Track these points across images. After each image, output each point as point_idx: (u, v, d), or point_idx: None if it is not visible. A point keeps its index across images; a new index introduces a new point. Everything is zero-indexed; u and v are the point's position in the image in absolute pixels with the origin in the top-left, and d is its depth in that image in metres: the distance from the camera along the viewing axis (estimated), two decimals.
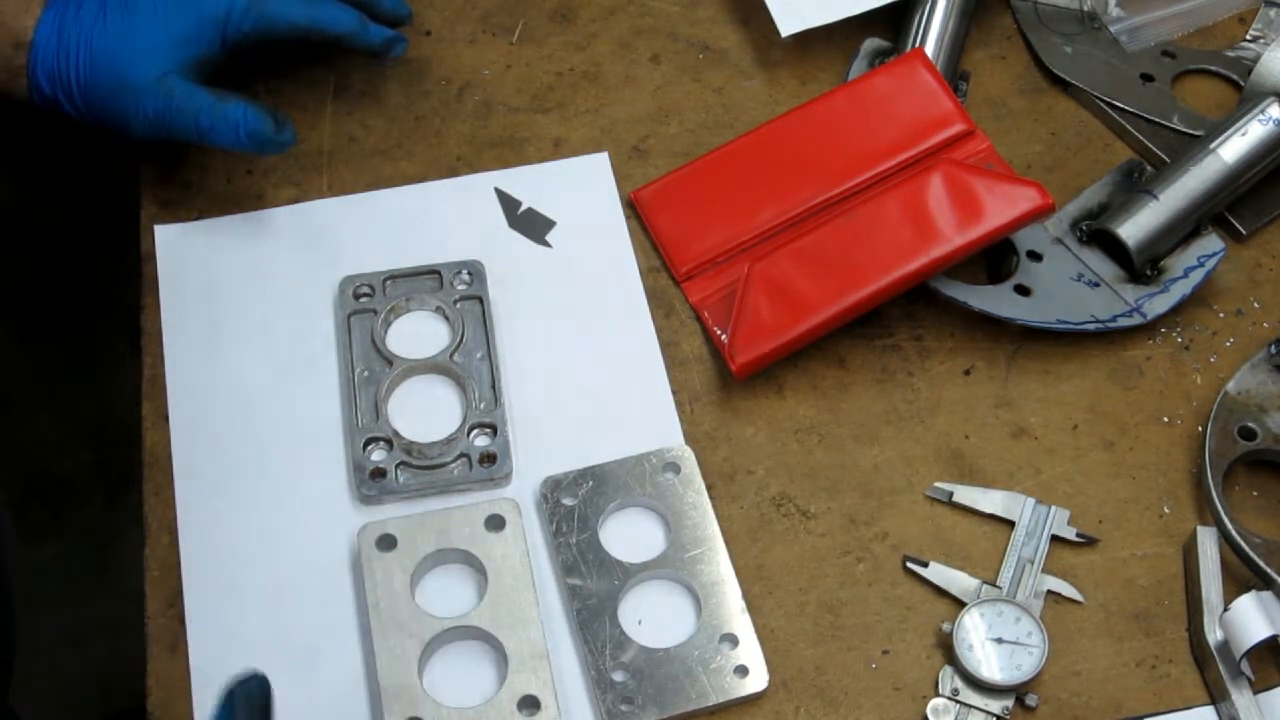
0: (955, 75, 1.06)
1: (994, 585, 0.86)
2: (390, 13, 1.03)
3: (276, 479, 0.89)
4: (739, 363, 0.91)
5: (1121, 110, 1.05)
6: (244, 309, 0.95)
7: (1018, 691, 0.82)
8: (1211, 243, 0.98)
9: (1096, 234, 0.98)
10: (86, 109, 0.93)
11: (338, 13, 0.97)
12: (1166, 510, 0.90)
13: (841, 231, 0.94)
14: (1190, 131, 1.04)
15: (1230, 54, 1.10)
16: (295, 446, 0.90)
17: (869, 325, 0.95)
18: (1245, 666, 0.82)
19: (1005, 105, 1.07)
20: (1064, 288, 0.96)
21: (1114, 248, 0.97)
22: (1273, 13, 1.12)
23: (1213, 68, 1.09)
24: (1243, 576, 0.86)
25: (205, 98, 0.92)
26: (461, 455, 0.89)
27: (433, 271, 0.95)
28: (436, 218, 0.99)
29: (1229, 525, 0.86)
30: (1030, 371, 0.95)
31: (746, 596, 0.85)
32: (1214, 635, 0.83)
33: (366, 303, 0.94)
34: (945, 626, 0.84)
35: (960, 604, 0.85)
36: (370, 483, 0.88)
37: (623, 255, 0.98)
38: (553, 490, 0.88)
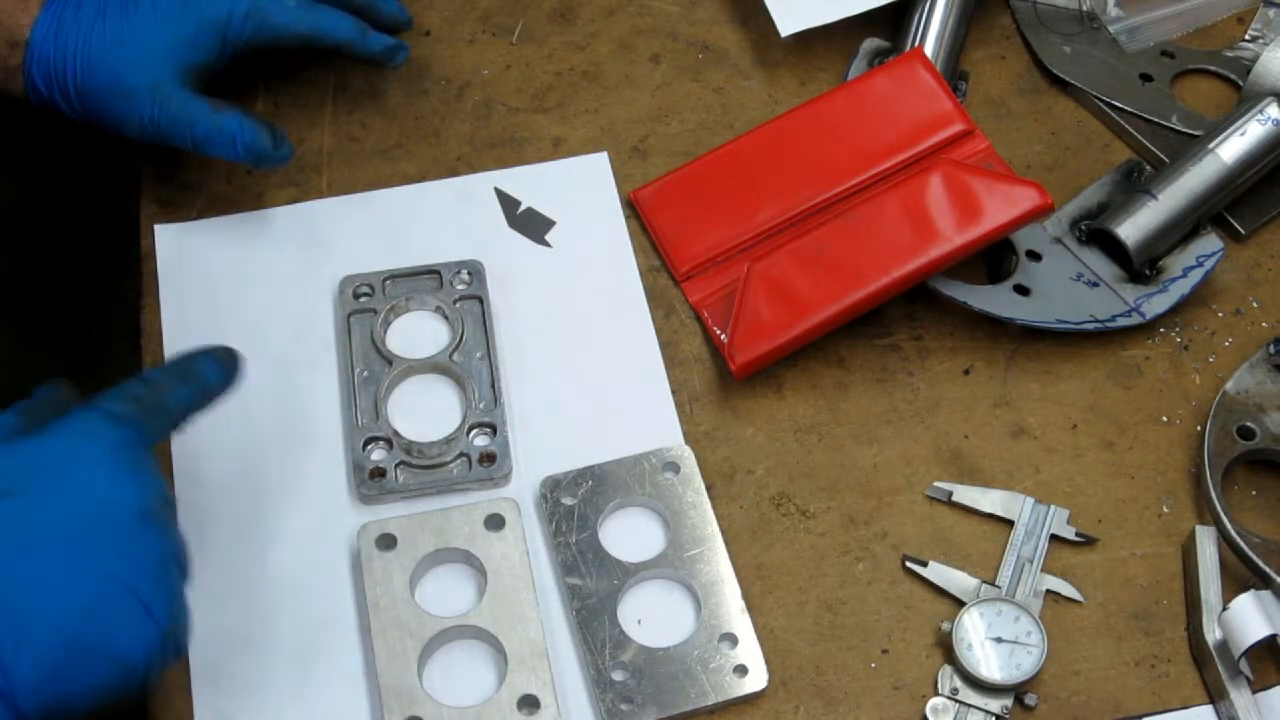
0: (954, 75, 1.06)
1: (993, 585, 0.86)
2: (390, 19, 1.03)
3: (276, 478, 0.89)
4: (738, 363, 0.92)
5: (1121, 110, 1.05)
6: (244, 309, 0.95)
7: (1017, 691, 0.82)
8: (1210, 242, 0.98)
9: (1096, 234, 0.98)
10: (83, 109, 0.93)
11: (338, 21, 0.97)
12: (1165, 510, 0.90)
13: (841, 231, 0.94)
14: (1189, 131, 1.04)
15: (1229, 54, 1.10)
16: (295, 446, 0.90)
17: (869, 325, 0.95)
18: (1244, 666, 0.82)
19: (1005, 105, 1.07)
20: (1063, 287, 0.96)
21: (1113, 247, 0.97)
22: (1271, 13, 1.12)
23: (1212, 68, 1.09)
24: (1241, 576, 0.86)
25: (202, 108, 0.92)
26: (461, 455, 0.89)
27: (432, 271, 0.96)
28: (436, 218, 0.99)
29: (1228, 525, 0.86)
30: (1030, 371, 0.95)
31: (746, 596, 0.85)
32: (1213, 635, 0.83)
33: (366, 302, 0.94)
34: (944, 626, 0.84)
35: (959, 603, 0.85)
36: (370, 482, 0.88)
37: (623, 255, 0.99)
38: (552, 490, 0.88)
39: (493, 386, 0.91)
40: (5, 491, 0.68)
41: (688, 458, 0.89)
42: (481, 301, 0.95)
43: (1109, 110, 1.06)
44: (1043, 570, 0.86)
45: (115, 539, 0.69)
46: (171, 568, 0.71)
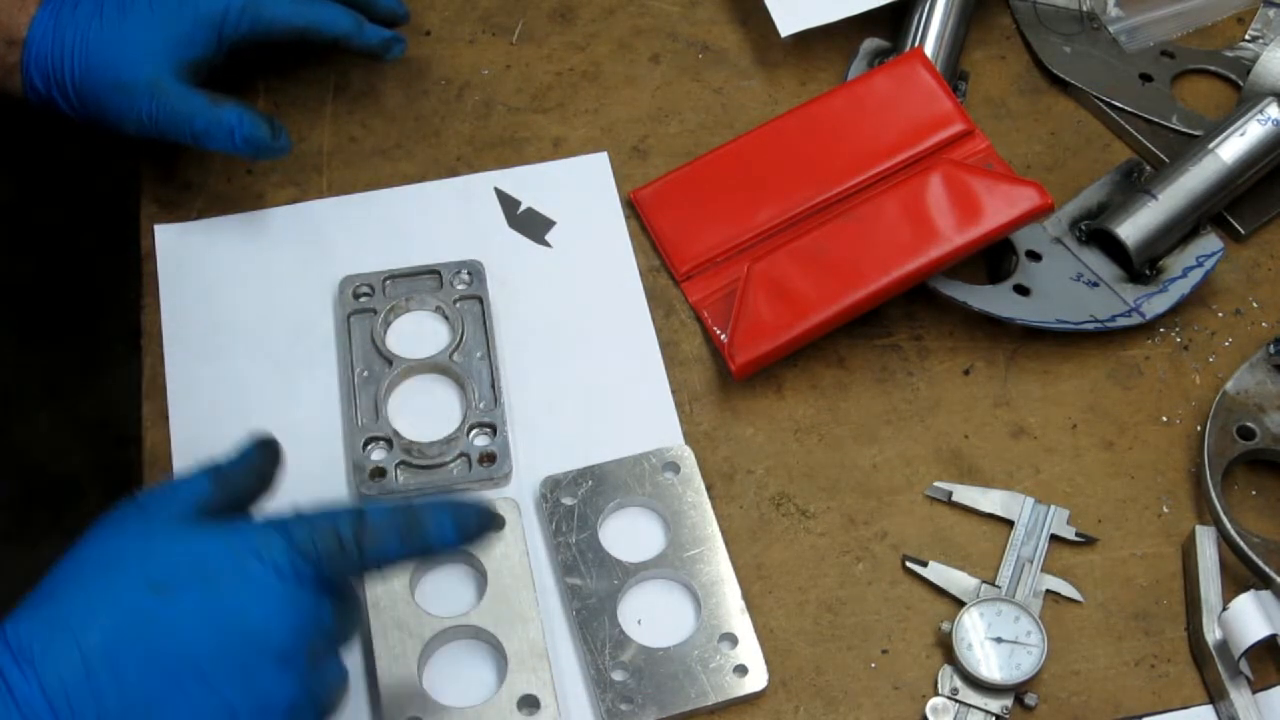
0: (954, 75, 1.06)
1: (993, 585, 0.86)
2: (387, 12, 1.03)
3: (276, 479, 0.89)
4: (738, 363, 0.92)
5: (1121, 110, 1.05)
6: (244, 309, 0.95)
7: (1017, 691, 0.82)
8: (1210, 242, 0.98)
9: (1095, 234, 0.98)
10: (81, 107, 0.93)
11: (334, 14, 0.98)
12: (1165, 510, 0.90)
13: (841, 231, 0.94)
14: (1189, 131, 1.04)
15: (1229, 54, 1.10)
16: (295, 446, 0.89)
17: (869, 325, 0.95)
18: (1244, 666, 0.82)
19: (1005, 105, 1.07)
20: (1063, 287, 0.96)
21: (1113, 247, 0.97)
22: (1271, 13, 1.12)
23: (1212, 68, 1.09)
24: (1241, 576, 0.86)
25: (200, 101, 0.92)
26: (461, 455, 0.89)
27: (432, 271, 0.96)
28: (436, 218, 0.99)
29: (1228, 525, 0.86)
30: (1029, 371, 0.95)
31: (746, 596, 0.85)
32: (1213, 635, 0.83)
33: (366, 302, 0.94)
34: (944, 626, 0.84)
35: (959, 603, 0.85)
36: (370, 482, 0.88)
37: (623, 255, 0.99)
38: (552, 490, 0.88)
39: (493, 386, 0.91)
40: (157, 585, 0.66)
41: (688, 458, 0.89)
42: (481, 301, 0.95)
43: (1109, 110, 1.06)
44: (1043, 570, 0.86)
45: (246, 673, 0.66)
46: (302, 715, 0.68)
